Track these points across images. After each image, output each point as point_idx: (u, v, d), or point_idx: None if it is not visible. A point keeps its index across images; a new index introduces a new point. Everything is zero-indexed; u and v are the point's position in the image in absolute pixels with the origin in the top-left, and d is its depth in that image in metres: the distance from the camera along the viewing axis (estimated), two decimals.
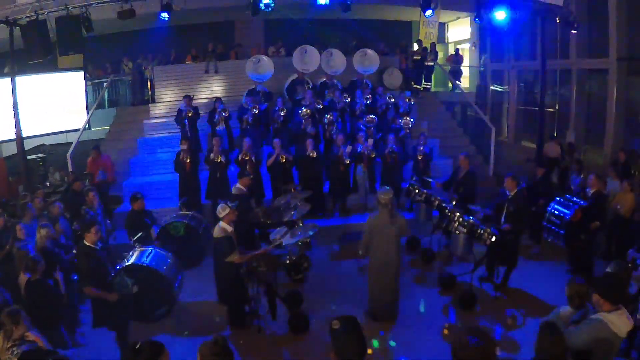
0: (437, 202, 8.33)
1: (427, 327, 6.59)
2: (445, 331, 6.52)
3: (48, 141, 13.20)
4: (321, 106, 11.47)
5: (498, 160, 13.04)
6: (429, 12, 11.44)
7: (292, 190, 8.65)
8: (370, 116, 11.11)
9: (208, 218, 8.96)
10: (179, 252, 7.43)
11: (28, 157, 11.36)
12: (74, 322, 6.58)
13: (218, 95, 13.02)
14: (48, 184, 11.63)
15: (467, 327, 2.90)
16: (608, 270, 5.13)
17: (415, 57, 15.44)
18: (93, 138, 13.54)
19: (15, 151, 10.58)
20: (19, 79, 10.32)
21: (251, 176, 8.71)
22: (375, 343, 6.21)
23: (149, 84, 14.43)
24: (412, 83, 15.09)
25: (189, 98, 11.56)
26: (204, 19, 15.59)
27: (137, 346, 3.05)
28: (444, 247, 8.86)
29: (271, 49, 15.27)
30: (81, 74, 12.95)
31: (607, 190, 8.43)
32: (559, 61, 13.51)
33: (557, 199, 7.92)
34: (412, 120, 11.42)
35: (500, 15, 10.74)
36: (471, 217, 7.38)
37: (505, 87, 16.40)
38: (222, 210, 6.31)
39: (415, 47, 16.14)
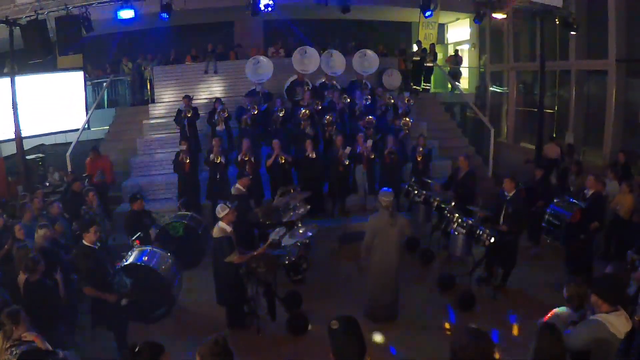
0: (436, 203, 8.34)
1: (426, 328, 6.59)
2: (447, 329, 6.52)
3: (47, 141, 13.19)
4: (320, 107, 11.47)
5: (497, 161, 13.06)
6: (428, 13, 11.47)
7: (292, 191, 8.65)
8: (369, 117, 11.12)
9: (207, 218, 8.96)
10: (178, 252, 7.43)
11: (27, 157, 11.36)
12: (73, 322, 6.57)
13: (218, 95, 13.03)
14: (47, 184, 11.62)
15: (466, 328, 2.90)
16: (607, 271, 5.14)
17: (414, 58, 15.45)
18: (92, 138, 13.53)
19: (15, 151, 10.57)
20: (19, 79, 10.31)
21: (250, 177, 8.72)
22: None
23: (148, 84, 14.42)
24: (412, 84, 15.10)
25: (188, 98, 11.56)
26: (204, 19, 15.59)
27: (138, 347, 3.06)
28: (443, 247, 8.87)
29: (271, 49, 15.27)
30: (81, 74, 12.96)
31: (607, 191, 8.46)
32: (558, 62, 13.53)
33: (557, 200, 7.93)
34: (411, 121, 11.43)
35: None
36: (470, 218, 7.39)
37: (505, 88, 16.41)
38: (222, 210, 6.31)
39: (415, 48, 16.15)
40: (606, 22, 11.61)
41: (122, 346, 5.68)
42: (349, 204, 10.77)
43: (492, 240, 6.96)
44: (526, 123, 15.56)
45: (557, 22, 11.62)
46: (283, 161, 9.97)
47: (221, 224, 6.31)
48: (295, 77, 12.73)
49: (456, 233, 7.37)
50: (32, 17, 9.32)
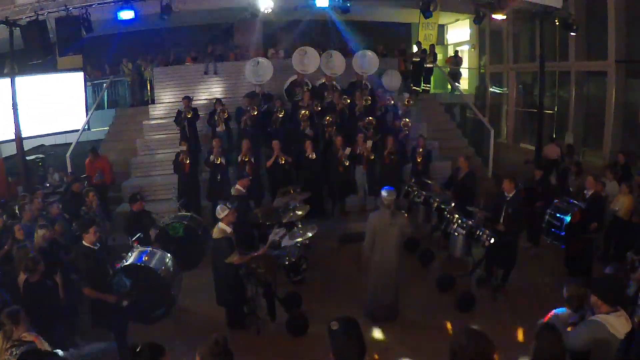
0: (436, 204, 8.35)
1: (426, 328, 6.59)
2: (449, 326, 6.52)
3: (47, 142, 13.21)
4: (320, 108, 11.48)
5: (497, 161, 13.06)
6: (428, 14, 11.48)
7: (292, 192, 8.66)
8: (369, 118, 11.12)
9: (207, 219, 8.96)
10: (177, 253, 7.42)
11: (27, 158, 11.37)
12: (73, 323, 6.57)
13: (217, 96, 13.03)
14: (47, 184, 11.63)
15: (466, 329, 2.90)
16: (606, 272, 5.15)
17: (414, 59, 15.46)
18: (92, 139, 13.53)
19: (15, 152, 10.58)
20: (19, 80, 10.32)
21: (250, 177, 8.72)
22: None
23: (148, 85, 14.42)
24: (412, 85, 15.10)
25: (188, 99, 11.56)
26: (204, 21, 15.61)
27: (138, 348, 3.06)
28: (442, 248, 8.88)
29: (270, 50, 15.28)
30: (81, 74, 12.97)
31: (606, 192, 8.47)
32: (558, 63, 13.55)
33: (556, 200, 7.94)
34: (410, 122, 11.43)
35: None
36: (470, 219, 7.40)
37: (505, 89, 16.44)
38: (222, 211, 6.31)
39: (415, 49, 16.16)
40: (606, 23, 11.63)
41: (122, 346, 5.67)
42: (348, 204, 10.77)
43: (492, 241, 6.96)
44: (526, 124, 15.59)
45: (557, 23, 11.64)
46: (283, 162, 9.97)
47: (221, 224, 6.31)
48: (295, 77, 12.73)
49: (456, 234, 7.37)
50: (32, 18, 9.33)
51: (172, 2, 10.09)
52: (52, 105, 12.19)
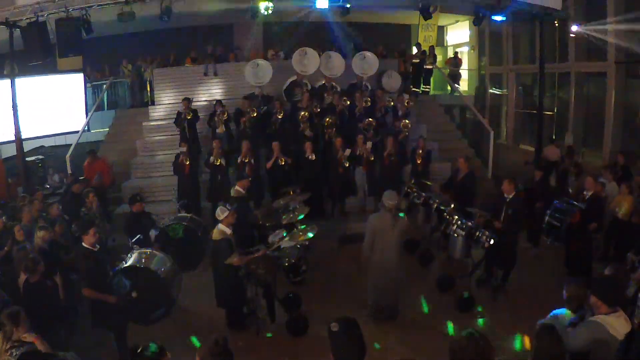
0: (435, 205, 8.35)
1: (426, 329, 6.60)
2: (449, 327, 6.53)
3: (47, 143, 13.21)
4: (319, 109, 11.49)
5: (497, 163, 13.06)
6: (428, 16, 11.50)
7: (291, 193, 8.66)
8: (369, 119, 11.13)
9: (207, 220, 8.96)
10: (177, 254, 7.43)
11: (27, 159, 11.37)
12: (73, 323, 6.57)
13: (217, 98, 13.04)
14: (47, 185, 11.63)
15: (465, 330, 2.91)
16: (606, 272, 5.15)
17: (414, 60, 15.47)
18: (92, 140, 13.54)
19: (15, 153, 10.58)
20: (19, 81, 10.32)
21: (250, 179, 8.73)
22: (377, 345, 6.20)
23: (148, 86, 14.43)
24: (411, 86, 15.11)
25: (188, 101, 11.57)
26: (203, 22, 15.61)
27: (139, 349, 3.06)
28: (442, 249, 8.88)
29: (270, 52, 15.29)
30: (81, 75, 12.97)
31: (606, 192, 8.48)
32: (558, 64, 13.56)
33: (556, 201, 7.94)
34: (410, 123, 11.44)
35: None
36: (469, 220, 7.40)
37: (504, 90, 16.44)
38: (221, 212, 6.32)
39: (415, 50, 16.17)
40: (605, 23, 11.64)
41: (122, 347, 5.67)
42: (348, 205, 10.77)
43: (492, 242, 6.96)
44: (526, 125, 15.60)
45: (556, 24, 11.65)
46: (283, 163, 9.97)
47: (221, 226, 6.31)
48: (294, 77, 12.74)
49: (455, 235, 7.37)
50: (32, 19, 9.33)
51: (172, 3, 10.09)
52: (52, 106, 12.20)
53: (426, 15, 11.27)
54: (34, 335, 4.22)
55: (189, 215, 8.73)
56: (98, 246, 5.80)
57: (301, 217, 7.79)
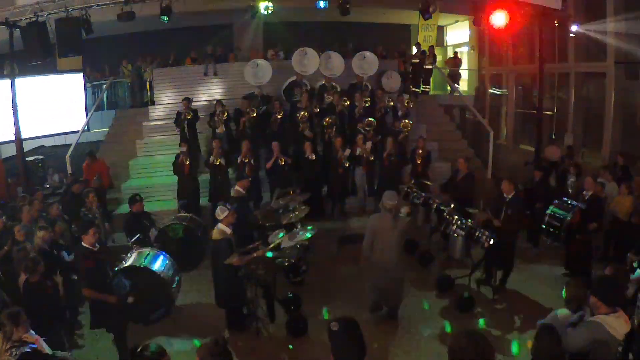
0: (435, 205, 8.35)
1: (425, 330, 6.60)
2: (448, 327, 6.53)
3: (47, 143, 13.22)
4: (318, 109, 11.50)
5: (496, 163, 13.07)
6: (427, 16, 11.50)
7: (291, 193, 8.66)
8: (369, 119, 11.13)
9: (207, 220, 8.97)
10: (177, 254, 7.44)
11: (27, 159, 11.37)
12: (72, 324, 6.58)
13: (217, 98, 13.04)
14: (47, 185, 11.64)
15: (465, 330, 2.91)
16: (605, 272, 5.16)
17: (414, 60, 15.48)
18: (92, 140, 13.55)
19: (15, 153, 10.58)
20: (19, 81, 10.33)
21: (250, 179, 8.73)
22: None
23: (148, 86, 14.43)
24: (411, 86, 15.12)
25: (187, 101, 11.57)
26: (203, 22, 15.62)
27: (138, 349, 3.06)
28: (442, 249, 8.89)
29: (270, 52, 15.30)
30: (80, 75, 12.98)
31: (606, 193, 8.48)
32: (557, 65, 13.57)
33: (556, 201, 7.95)
34: (410, 123, 11.44)
35: (499, 19, 10.78)
36: (469, 220, 7.40)
37: (504, 90, 16.45)
38: (221, 212, 6.32)
39: (414, 50, 16.18)
40: (605, 23, 11.65)
41: (121, 348, 5.67)
42: (348, 205, 10.77)
43: (492, 242, 6.97)
44: (525, 125, 15.60)
45: (556, 24, 11.66)
46: (283, 163, 9.98)
47: (221, 226, 6.31)
48: (293, 78, 12.74)
49: (455, 235, 7.37)
50: (32, 19, 9.33)
51: (172, 3, 10.09)
52: (51, 106, 12.20)
53: (426, 15, 11.25)
54: (35, 336, 4.22)
55: (188, 215, 8.74)
56: (98, 246, 5.81)
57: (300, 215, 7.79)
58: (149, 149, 12.74)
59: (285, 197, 8.47)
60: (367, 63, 12.97)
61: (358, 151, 10.26)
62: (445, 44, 19.52)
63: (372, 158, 10.26)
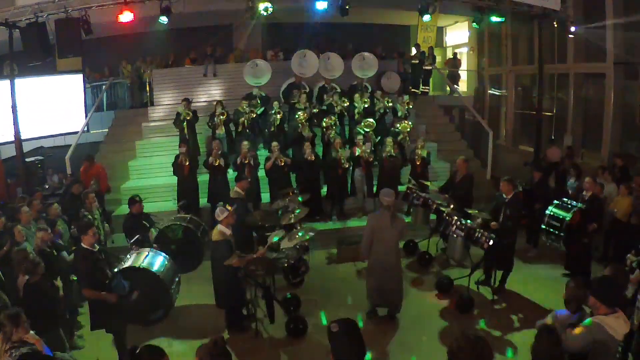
0: (434, 206, 8.36)
1: (425, 330, 6.60)
2: (448, 328, 6.53)
3: (47, 144, 13.19)
4: (316, 110, 11.50)
5: (496, 163, 13.07)
6: (426, 17, 11.50)
7: (290, 194, 8.66)
8: (369, 120, 11.14)
9: (206, 221, 8.97)
10: (176, 255, 7.43)
11: (27, 160, 11.35)
12: (72, 325, 6.57)
13: (217, 98, 13.02)
14: (46, 186, 11.62)
15: (464, 331, 2.91)
16: (605, 273, 5.16)
17: (413, 61, 15.48)
18: (92, 141, 13.53)
19: (14, 153, 10.56)
20: (18, 81, 10.31)
21: (249, 179, 8.73)
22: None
23: (147, 87, 14.42)
24: (411, 87, 15.12)
25: (187, 101, 11.57)
26: (203, 23, 15.61)
27: (137, 350, 3.06)
28: (441, 250, 8.89)
29: (270, 52, 15.30)
30: (80, 76, 12.96)
31: (605, 193, 8.48)
32: (557, 65, 13.59)
33: (556, 201, 7.95)
34: (410, 124, 11.45)
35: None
36: (468, 221, 7.41)
37: (503, 91, 16.46)
38: (221, 213, 6.32)
39: (414, 51, 16.19)
40: (604, 24, 11.66)
41: (121, 349, 5.67)
42: (347, 206, 10.77)
43: (491, 242, 6.97)
44: (525, 126, 15.61)
45: (555, 25, 11.67)
46: (282, 164, 9.98)
47: (220, 226, 6.31)
48: (293, 79, 12.75)
49: (454, 236, 7.38)
50: (31, 20, 9.32)
51: (171, 3, 10.08)
52: (51, 107, 12.19)
53: (424, 14, 11.24)
54: (36, 337, 4.22)
55: (188, 216, 8.73)
56: (97, 247, 5.81)
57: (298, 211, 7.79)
58: (148, 150, 12.73)
59: (285, 197, 8.48)
60: (366, 64, 12.98)
61: (357, 152, 10.26)
62: (444, 45, 19.54)
63: (372, 159, 10.26)
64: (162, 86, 14.00)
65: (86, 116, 13.00)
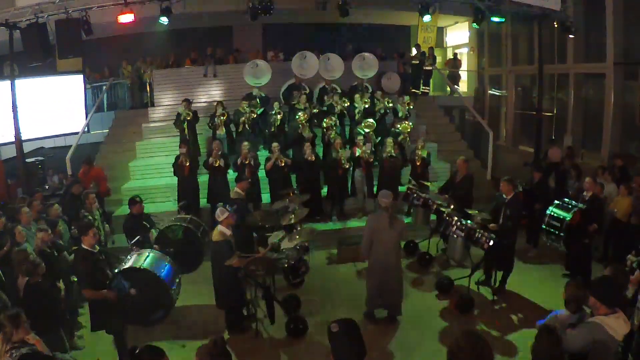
0: (435, 206, 8.36)
1: (425, 331, 6.60)
2: (448, 329, 6.54)
3: (47, 144, 13.20)
4: (316, 110, 11.50)
5: (496, 164, 13.07)
6: (427, 17, 11.51)
7: (291, 194, 8.66)
8: (369, 120, 11.14)
9: (206, 222, 8.97)
10: (177, 255, 7.42)
11: (27, 160, 11.36)
12: (72, 325, 6.58)
13: (217, 99, 13.03)
14: (47, 187, 11.62)
15: (464, 331, 2.91)
16: (605, 273, 5.16)
17: (413, 62, 15.49)
18: (92, 141, 13.54)
19: (14, 154, 10.57)
20: (19, 82, 10.33)
21: (249, 180, 8.73)
22: None
23: (148, 87, 14.43)
24: (411, 87, 15.13)
25: (187, 102, 11.57)
26: (203, 23, 15.63)
27: (137, 351, 3.06)
28: (441, 250, 8.89)
29: (270, 53, 15.31)
30: (80, 77, 12.98)
31: (605, 193, 8.48)
32: (557, 66, 13.59)
33: (556, 202, 7.96)
34: (410, 125, 11.45)
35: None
36: (469, 221, 7.41)
37: (503, 91, 16.46)
38: (221, 214, 6.33)
39: (414, 51, 16.20)
40: (604, 25, 11.66)
41: (121, 349, 5.68)
42: (347, 207, 10.78)
43: (491, 243, 6.97)
44: (525, 126, 15.61)
45: (555, 26, 11.67)
46: (282, 164, 9.98)
47: (220, 227, 6.32)
48: (293, 80, 12.75)
49: (455, 236, 7.38)
50: (32, 21, 9.33)
51: (172, 4, 10.09)
52: (51, 107, 12.21)
53: (424, 14, 11.24)
54: (37, 337, 4.22)
55: (188, 216, 8.72)
56: (97, 247, 5.81)
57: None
58: (148, 150, 12.74)
59: (285, 198, 8.48)
60: (367, 64, 12.99)
61: (358, 152, 10.26)
62: (445, 45, 19.54)
63: (372, 159, 10.26)
64: (162, 87, 14.01)
65: (86, 117, 13.01)
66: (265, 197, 10.30)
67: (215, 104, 11.86)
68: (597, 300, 3.84)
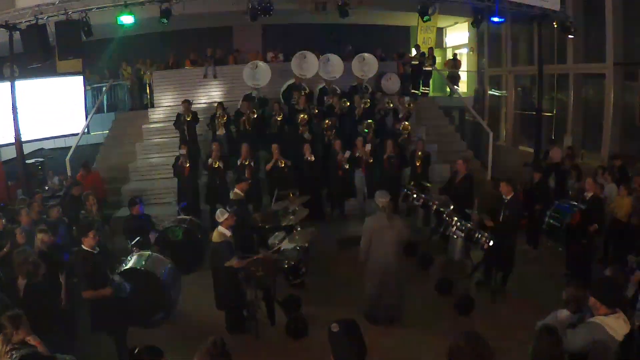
0: (434, 207, 8.36)
1: (425, 331, 6.59)
2: (448, 329, 6.52)
3: (47, 145, 13.21)
4: (316, 111, 11.49)
5: (496, 164, 13.07)
6: (426, 17, 11.52)
7: (291, 195, 8.67)
8: (369, 121, 11.14)
9: (206, 223, 8.97)
10: (177, 256, 7.43)
11: (27, 161, 11.36)
12: (72, 326, 6.57)
13: (217, 100, 13.03)
14: (47, 188, 11.62)
15: (464, 331, 2.91)
16: (605, 273, 5.16)
17: (413, 62, 15.49)
18: (92, 142, 13.55)
19: (14, 155, 10.58)
20: (19, 83, 10.34)
21: (249, 181, 8.73)
22: None
23: (147, 88, 14.43)
24: (410, 88, 15.13)
25: (187, 103, 11.57)
26: (203, 24, 15.64)
27: (136, 351, 3.06)
28: (441, 251, 8.88)
29: (269, 54, 15.31)
30: (80, 78, 12.99)
31: (605, 194, 8.48)
32: (556, 66, 13.59)
33: (557, 202, 7.96)
34: (410, 125, 11.45)
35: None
36: (468, 222, 7.41)
37: (503, 91, 16.47)
38: (221, 215, 6.32)
39: (414, 52, 16.19)
40: (604, 25, 11.67)
41: (121, 351, 5.67)
42: (347, 208, 10.77)
43: (491, 243, 6.97)
44: (525, 126, 15.62)
45: (555, 26, 11.69)
46: (282, 165, 9.98)
47: (220, 228, 6.31)
48: (292, 80, 12.75)
49: (455, 236, 7.38)
50: (32, 22, 9.34)
51: (172, 5, 10.10)
52: (51, 108, 12.22)
53: (424, 16, 11.25)
54: (37, 339, 4.21)
55: (188, 217, 8.73)
56: (97, 249, 5.81)
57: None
58: (148, 152, 12.74)
59: (285, 199, 8.48)
60: (366, 65, 12.99)
61: (358, 153, 10.26)
62: (444, 46, 19.55)
63: (372, 160, 10.26)
64: (162, 88, 14.00)
65: (86, 118, 13.02)
66: (265, 198, 10.30)
67: (215, 105, 11.85)
68: (597, 301, 3.84)
